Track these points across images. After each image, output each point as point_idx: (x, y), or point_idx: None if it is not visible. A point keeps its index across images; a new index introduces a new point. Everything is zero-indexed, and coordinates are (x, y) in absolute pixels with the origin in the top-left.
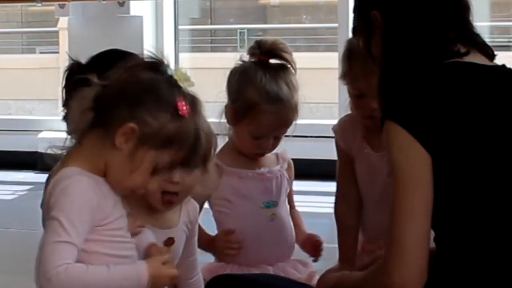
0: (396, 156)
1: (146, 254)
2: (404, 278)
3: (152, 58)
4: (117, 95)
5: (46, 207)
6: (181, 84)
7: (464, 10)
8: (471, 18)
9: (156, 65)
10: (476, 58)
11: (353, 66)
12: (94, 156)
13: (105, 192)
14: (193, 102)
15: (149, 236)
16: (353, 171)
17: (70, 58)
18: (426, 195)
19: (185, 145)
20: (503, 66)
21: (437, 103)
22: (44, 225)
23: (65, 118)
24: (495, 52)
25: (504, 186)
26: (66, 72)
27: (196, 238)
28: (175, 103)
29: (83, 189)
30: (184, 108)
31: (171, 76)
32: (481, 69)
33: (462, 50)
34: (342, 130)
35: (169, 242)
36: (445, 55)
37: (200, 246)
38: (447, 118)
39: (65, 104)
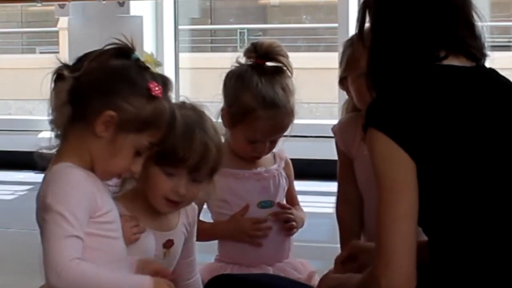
0: (379, 163)
1: (152, 270)
2: (391, 284)
3: (117, 44)
4: (90, 86)
5: (42, 203)
6: (149, 66)
7: (456, 13)
8: (471, 18)
9: (123, 51)
10: (456, 61)
11: (356, 48)
12: (80, 149)
13: (98, 184)
14: (164, 82)
15: (150, 239)
16: (353, 172)
17: (59, 61)
18: (410, 201)
19: (162, 125)
20: (483, 66)
21: (419, 108)
22: (38, 219)
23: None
24: (489, 53)
25: (492, 187)
26: (54, 76)
27: (194, 239)
28: (148, 85)
29: (78, 180)
30: (157, 89)
31: (138, 60)
32: (460, 71)
33: (442, 54)
34: (341, 132)
35: (168, 244)
36: (425, 59)
37: (212, 237)
38: (429, 122)
39: None
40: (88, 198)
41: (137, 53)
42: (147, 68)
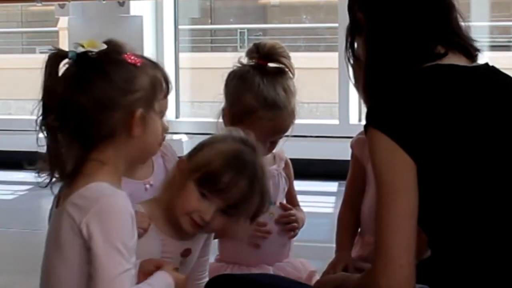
0: (379, 162)
1: (155, 266)
2: (390, 284)
3: (50, 53)
4: (91, 110)
5: (88, 230)
6: (93, 49)
7: (446, 9)
8: (458, 15)
9: (64, 56)
10: (456, 59)
11: None
12: (114, 163)
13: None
14: (139, 56)
15: (155, 243)
16: (363, 180)
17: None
18: (410, 201)
19: (158, 90)
20: (485, 65)
21: (419, 109)
22: (51, 221)
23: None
24: (488, 53)
25: (493, 187)
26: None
27: (212, 238)
28: (124, 59)
29: (128, 206)
30: (133, 57)
31: (86, 53)
32: (461, 71)
33: (442, 51)
34: (358, 138)
35: (186, 253)
36: (425, 58)
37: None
38: (430, 123)
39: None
40: (133, 221)
41: (72, 49)
42: (104, 53)
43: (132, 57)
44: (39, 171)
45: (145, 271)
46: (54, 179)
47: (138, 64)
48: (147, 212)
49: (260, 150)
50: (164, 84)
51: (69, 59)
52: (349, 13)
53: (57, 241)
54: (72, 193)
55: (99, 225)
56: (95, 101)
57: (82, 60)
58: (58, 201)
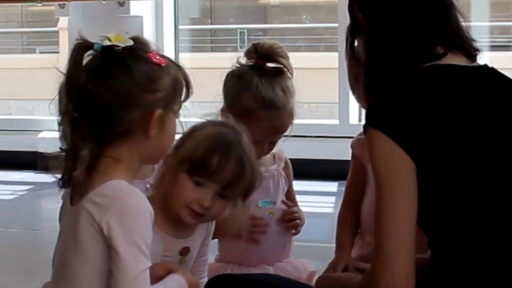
0: (379, 163)
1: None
2: (390, 285)
3: (75, 48)
4: (110, 105)
5: (108, 229)
6: (120, 44)
7: (445, 9)
8: (458, 15)
9: (89, 47)
10: (456, 59)
11: None
12: (128, 162)
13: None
14: (163, 56)
15: (155, 237)
16: (363, 180)
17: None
18: (409, 202)
19: (178, 93)
20: (485, 66)
21: (419, 109)
22: (65, 219)
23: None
24: (488, 53)
25: (493, 187)
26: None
27: (210, 239)
28: (149, 58)
29: (147, 204)
30: (158, 57)
31: (113, 46)
32: (461, 71)
33: (441, 51)
34: (359, 139)
35: (184, 251)
36: (424, 58)
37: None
38: (429, 122)
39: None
40: (151, 221)
41: (98, 41)
42: (130, 49)
43: (157, 57)
44: (51, 168)
45: (154, 275)
46: (68, 175)
47: (163, 64)
48: None
49: (241, 129)
50: (185, 87)
51: (94, 50)
52: (349, 14)
53: (75, 239)
54: (89, 190)
55: (120, 224)
56: (115, 95)
57: (107, 53)
58: (72, 198)
